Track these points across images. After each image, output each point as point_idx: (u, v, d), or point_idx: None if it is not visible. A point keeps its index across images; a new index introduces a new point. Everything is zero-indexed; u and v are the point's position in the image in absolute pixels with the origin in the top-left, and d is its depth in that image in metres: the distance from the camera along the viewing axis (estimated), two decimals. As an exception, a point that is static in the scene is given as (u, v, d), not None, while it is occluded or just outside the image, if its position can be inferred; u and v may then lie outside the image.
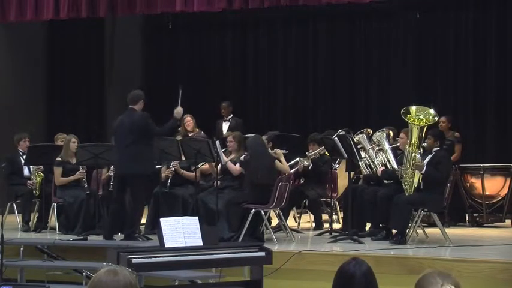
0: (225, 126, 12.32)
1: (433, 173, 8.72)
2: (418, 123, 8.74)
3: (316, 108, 14.56)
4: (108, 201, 9.65)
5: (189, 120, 11.56)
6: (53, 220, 10.24)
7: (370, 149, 9.76)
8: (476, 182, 11.03)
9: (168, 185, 9.95)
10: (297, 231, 10.13)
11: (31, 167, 10.62)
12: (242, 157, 9.39)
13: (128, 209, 9.16)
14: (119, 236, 9.15)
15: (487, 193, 10.96)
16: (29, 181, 10.56)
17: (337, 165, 10.71)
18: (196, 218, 6.47)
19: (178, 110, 9.23)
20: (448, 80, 13.59)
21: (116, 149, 9.16)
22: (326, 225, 10.36)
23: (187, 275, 7.44)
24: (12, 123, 12.62)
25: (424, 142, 8.81)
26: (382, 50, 14.15)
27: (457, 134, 11.30)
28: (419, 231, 9.38)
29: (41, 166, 10.54)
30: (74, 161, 10.21)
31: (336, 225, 10.38)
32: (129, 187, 9.04)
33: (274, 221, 9.87)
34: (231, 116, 12.43)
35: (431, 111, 8.86)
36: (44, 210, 10.30)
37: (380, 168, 9.45)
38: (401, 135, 9.55)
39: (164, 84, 15.33)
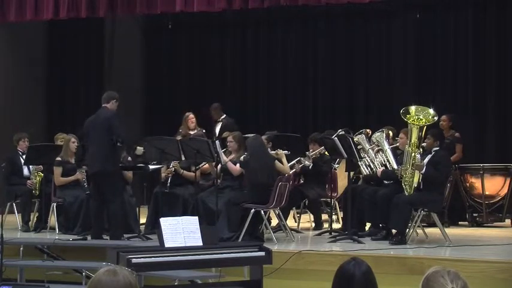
0: (217, 127, 12.28)
1: (433, 172, 8.71)
2: (417, 123, 8.73)
3: (316, 108, 14.56)
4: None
5: (192, 118, 11.55)
6: (52, 220, 10.24)
7: (370, 150, 9.75)
8: (476, 182, 11.03)
9: (168, 185, 9.95)
10: (296, 231, 10.13)
11: (31, 167, 10.62)
12: (242, 157, 9.39)
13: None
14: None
15: (486, 193, 10.95)
16: (28, 181, 10.56)
17: (337, 165, 10.70)
18: (196, 218, 6.47)
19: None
20: (448, 80, 13.58)
21: (89, 147, 9.19)
22: (326, 225, 10.36)
23: (187, 275, 7.44)
24: (12, 123, 12.62)
25: (423, 142, 8.81)
26: (382, 50, 14.14)
27: (457, 134, 11.30)
28: (419, 231, 9.36)
29: (40, 166, 10.54)
30: (73, 161, 10.21)
31: (336, 225, 10.38)
32: (103, 186, 9.04)
33: (274, 221, 9.87)
34: (224, 116, 12.39)
35: (431, 111, 8.85)
36: (44, 210, 10.29)
37: (380, 169, 9.44)
38: (401, 135, 9.54)
39: (164, 84, 15.34)
